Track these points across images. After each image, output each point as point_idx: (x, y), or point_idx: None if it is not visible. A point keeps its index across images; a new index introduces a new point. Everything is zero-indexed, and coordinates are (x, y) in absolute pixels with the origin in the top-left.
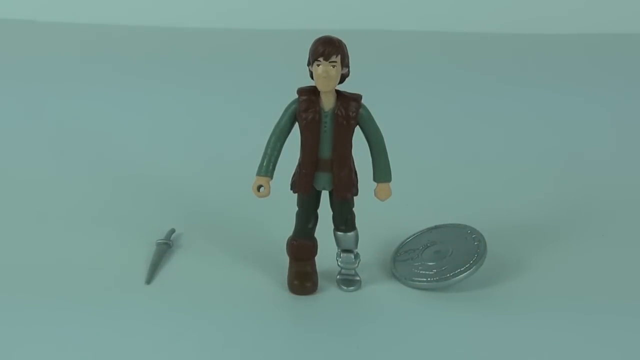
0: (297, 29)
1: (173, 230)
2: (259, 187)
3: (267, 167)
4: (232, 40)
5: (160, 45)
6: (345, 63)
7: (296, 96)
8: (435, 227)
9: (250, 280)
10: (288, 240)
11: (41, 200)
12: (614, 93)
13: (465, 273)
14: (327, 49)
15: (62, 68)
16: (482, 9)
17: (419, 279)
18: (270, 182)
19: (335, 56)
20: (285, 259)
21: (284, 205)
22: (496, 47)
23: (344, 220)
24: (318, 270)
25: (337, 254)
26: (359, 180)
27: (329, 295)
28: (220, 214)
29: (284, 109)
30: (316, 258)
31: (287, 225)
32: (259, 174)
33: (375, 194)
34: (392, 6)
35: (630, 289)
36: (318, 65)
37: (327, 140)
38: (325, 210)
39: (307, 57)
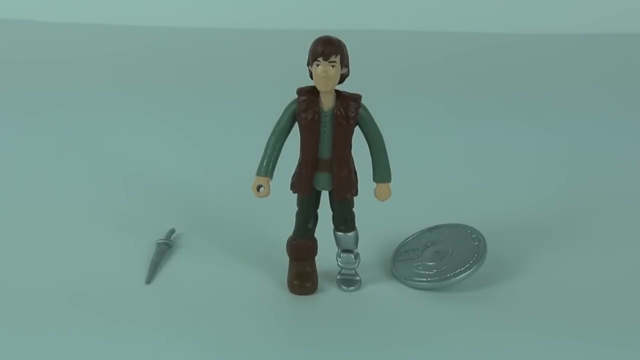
0: (297, 29)
1: (173, 230)
2: (259, 187)
3: (267, 167)
4: (232, 40)
5: (160, 45)
6: (344, 63)
7: (296, 96)
8: (435, 227)
9: (250, 280)
10: (288, 240)
11: (42, 200)
12: (614, 93)
13: (465, 273)
14: (327, 49)
15: (62, 68)
16: (482, 9)
17: (419, 279)
18: (270, 182)
19: (334, 56)
20: (285, 259)
21: (284, 205)
22: (496, 47)
23: (344, 220)
24: (318, 270)
25: (337, 254)
26: (358, 180)
27: (329, 295)
28: (220, 214)
29: (284, 109)
30: (316, 258)
31: (287, 225)
32: (258, 174)
33: (375, 194)
34: (392, 6)
35: (630, 289)
36: (317, 65)
37: (327, 141)
38: (325, 210)
39: (307, 57)
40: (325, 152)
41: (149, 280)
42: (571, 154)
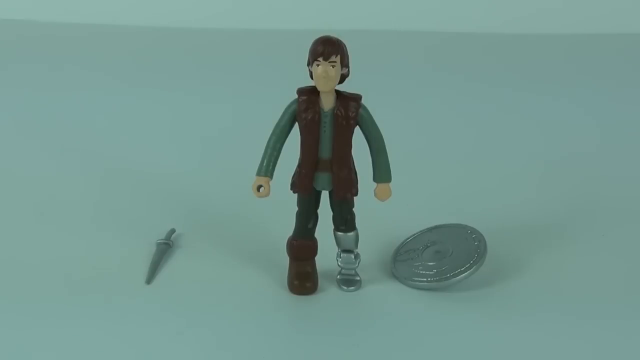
0: (297, 29)
1: (173, 230)
2: (259, 187)
3: (267, 167)
4: (232, 41)
5: (159, 45)
6: (344, 63)
7: (296, 96)
8: (435, 227)
9: (250, 281)
10: (288, 240)
11: (41, 199)
12: (614, 92)
13: (465, 273)
14: (327, 49)
15: (61, 68)
16: (480, 9)
17: (419, 279)
18: (270, 182)
19: (334, 56)
20: (285, 259)
21: (284, 205)
22: (495, 47)
23: (344, 221)
24: (318, 270)
25: (337, 254)
26: (359, 180)
27: (329, 295)
28: (221, 214)
29: (284, 109)
30: (316, 258)
31: (287, 225)
32: (258, 174)
33: (375, 195)
34: (392, 6)
35: (630, 288)
36: (317, 65)
37: (327, 141)
38: (325, 210)
39: (307, 57)
40: (325, 152)
41: (149, 280)
42: (571, 154)
